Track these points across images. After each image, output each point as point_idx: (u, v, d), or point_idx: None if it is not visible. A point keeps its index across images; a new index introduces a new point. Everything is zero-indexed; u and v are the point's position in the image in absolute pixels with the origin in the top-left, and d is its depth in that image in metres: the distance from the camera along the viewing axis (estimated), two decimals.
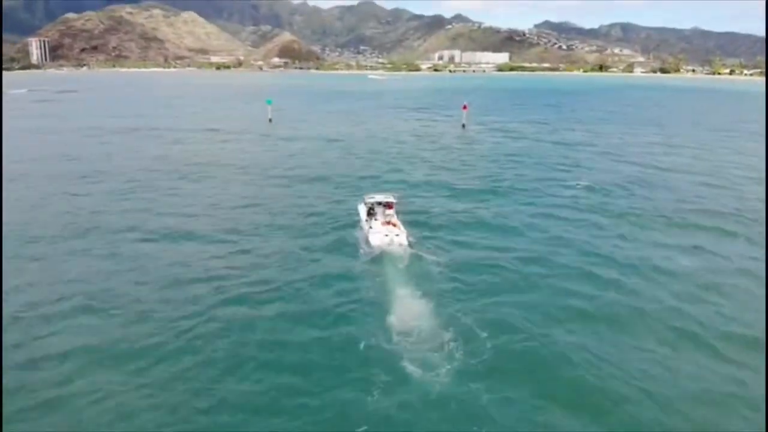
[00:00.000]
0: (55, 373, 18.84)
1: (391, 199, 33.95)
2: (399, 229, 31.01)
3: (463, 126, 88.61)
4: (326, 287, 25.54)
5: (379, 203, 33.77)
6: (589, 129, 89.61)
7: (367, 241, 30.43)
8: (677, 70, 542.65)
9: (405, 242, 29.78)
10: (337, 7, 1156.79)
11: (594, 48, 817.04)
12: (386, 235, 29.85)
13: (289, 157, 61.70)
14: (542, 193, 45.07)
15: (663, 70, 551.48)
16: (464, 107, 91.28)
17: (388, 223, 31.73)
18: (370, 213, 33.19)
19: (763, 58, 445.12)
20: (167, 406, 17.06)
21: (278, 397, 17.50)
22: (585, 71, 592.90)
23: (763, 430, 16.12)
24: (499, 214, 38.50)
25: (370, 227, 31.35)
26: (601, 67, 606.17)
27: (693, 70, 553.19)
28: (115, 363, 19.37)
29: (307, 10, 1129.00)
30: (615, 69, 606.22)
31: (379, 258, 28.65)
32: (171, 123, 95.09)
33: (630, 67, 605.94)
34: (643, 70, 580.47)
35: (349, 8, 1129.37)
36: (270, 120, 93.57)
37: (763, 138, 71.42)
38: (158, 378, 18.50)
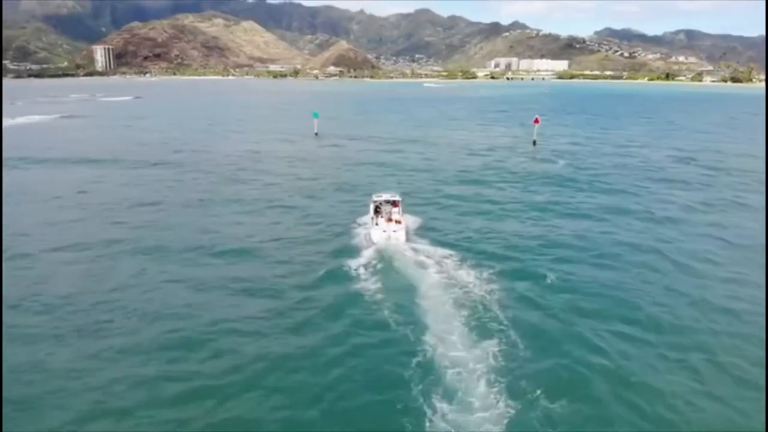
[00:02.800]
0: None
1: (396, 198, 36.53)
2: (400, 225, 32.85)
3: (534, 143, 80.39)
4: (331, 281, 27.59)
5: (386, 201, 35.98)
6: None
7: (369, 237, 32.80)
8: (749, 80, 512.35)
9: (403, 238, 31.93)
10: (394, 15, 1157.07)
11: (658, 55, 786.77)
12: (385, 231, 32.24)
13: (334, 174, 57.10)
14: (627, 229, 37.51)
15: (734, 79, 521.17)
16: (536, 121, 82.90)
17: (392, 220, 33.72)
18: (377, 211, 35.33)
19: None
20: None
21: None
22: (650, 79, 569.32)
23: (764, 430, 16.11)
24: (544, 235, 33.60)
25: (376, 224, 33.64)
26: (668, 76, 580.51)
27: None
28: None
29: (363, 18, 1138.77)
30: (682, 78, 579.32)
31: (379, 252, 30.67)
32: (227, 129, 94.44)
33: (699, 76, 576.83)
34: (713, 79, 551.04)
35: (406, 16, 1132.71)
36: (316, 134, 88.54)
37: None
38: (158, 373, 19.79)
